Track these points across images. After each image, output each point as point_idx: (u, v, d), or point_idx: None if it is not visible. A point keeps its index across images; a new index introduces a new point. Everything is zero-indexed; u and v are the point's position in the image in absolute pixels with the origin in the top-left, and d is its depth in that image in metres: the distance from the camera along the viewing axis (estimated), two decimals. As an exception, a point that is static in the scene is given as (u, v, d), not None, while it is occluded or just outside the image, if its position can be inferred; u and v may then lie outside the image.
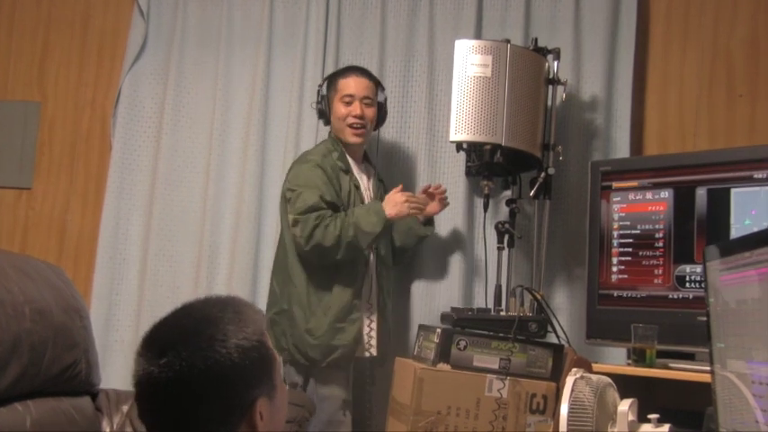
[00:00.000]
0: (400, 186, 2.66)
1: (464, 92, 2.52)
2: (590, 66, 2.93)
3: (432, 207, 2.80)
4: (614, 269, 2.61)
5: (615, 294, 2.59)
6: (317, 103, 2.77)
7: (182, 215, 3.20)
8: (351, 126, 2.70)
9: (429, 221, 2.82)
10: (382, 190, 2.80)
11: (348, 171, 2.68)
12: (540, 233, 2.78)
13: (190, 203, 3.21)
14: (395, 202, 2.57)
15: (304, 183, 2.57)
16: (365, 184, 2.77)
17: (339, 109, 2.71)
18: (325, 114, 2.75)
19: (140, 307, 3.13)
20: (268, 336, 1.27)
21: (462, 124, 2.51)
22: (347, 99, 2.70)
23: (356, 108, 2.70)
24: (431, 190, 2.80)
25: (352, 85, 2.72)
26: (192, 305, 1.27)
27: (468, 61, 2.53)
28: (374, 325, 2.66)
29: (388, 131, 3.01)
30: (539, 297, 2.48)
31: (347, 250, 2.52)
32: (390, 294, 2.78)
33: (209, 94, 3.24)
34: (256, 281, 3.08)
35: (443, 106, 2.99)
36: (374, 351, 2.65)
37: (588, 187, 2.69)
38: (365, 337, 2.63)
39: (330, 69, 3.05)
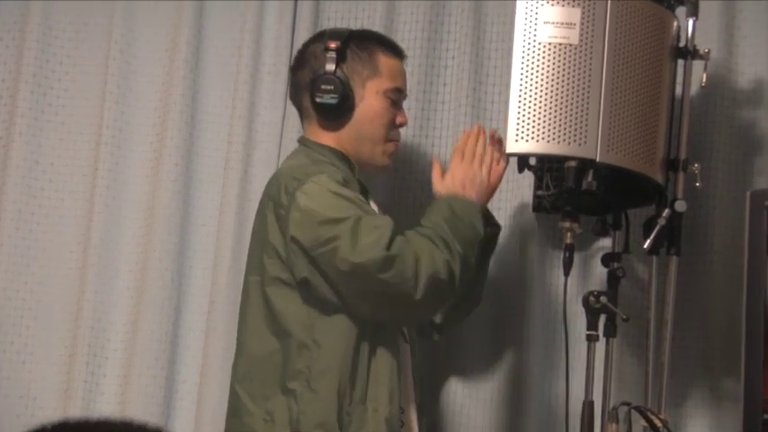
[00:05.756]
0: (459, 152, 2.74)
1: (532, 71, 2.53)
2: (750, 27, 2.96)
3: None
4: (791, 378, 2.65)
5: (794, 422, 2.60)
6: (335, 78, 2.75)
7: (46, 270, 3.19)
8: (393, 140, 2.82)
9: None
10: None
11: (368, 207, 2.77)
12: (660, 313, 2.76)
13: (61, 249, 3.21)
14: (474, 180, 2.70)
15: (348, 204, 2.61)
16: None
17: (377, 107, 2.77)
18: (349, 102, 2.75)
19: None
20: None
21: (528, 126, 2.52)
22: (395, 96, 2.79)
23: (403, 113, 2.83)
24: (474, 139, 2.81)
25: (401, 73, 2.82)
26: None
27: (540, 17, 2.55)
28: None
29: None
30: (658, 423, 2.49)
31: (459, 281, 2.61)
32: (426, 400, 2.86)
33: (97, 65, 3.25)
34: (173, 387, 3.11)
35: (496, 95, 3.06)
36: None
37: (745, 234, 2.67)
38: None
39: (307, 23, 3.12)
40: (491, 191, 2.72)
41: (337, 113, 2.75)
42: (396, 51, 2.83)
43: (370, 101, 2.74)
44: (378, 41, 2.83)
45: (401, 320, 2.68)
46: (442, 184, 2.72)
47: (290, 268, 2.61)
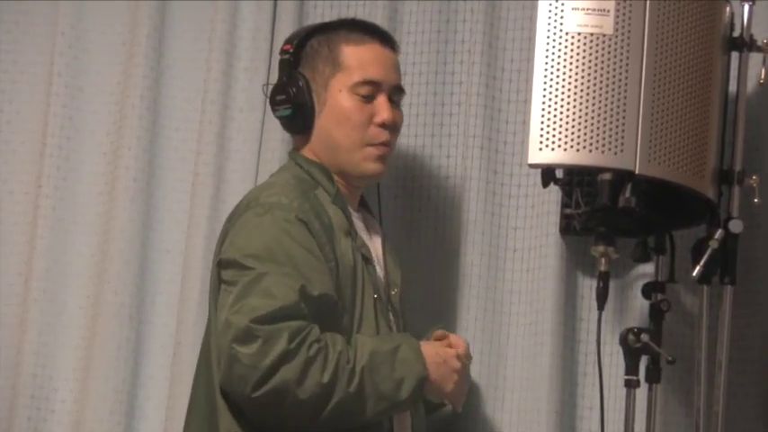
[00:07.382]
0: (462, 344, 2.70)
1: (558, 66, 2.53)
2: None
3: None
4: None
5: None
6: (286, 86, 2.74)
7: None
8: (375, 144, 2.75)
9: None
10: (399, 270, 2.85)
11: (350, 230, 2.71)
12: (711, 353, 2.74)
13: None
14: (448, 367, 2.62)
15: (269, 253, 2.53)
16: (377, 250, 2.79)
17: (343, 108, 2.73)
18: (306, 111, 2.73)
19: None
20: None
21: (554, 132, 2.51)
22: (366, 90, 2.72)
23: (384, 108, 2.73)
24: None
25: (374, 61, 2.75)
26: None
27: (568, 3, 2.54)
28: None
29: (403, 144, 3.04)
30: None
31: (333, 421, 2.46)
32: None
33: (41, 62, 3.28)
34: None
35: (512, 94, 3.09)
36: None
37: (816, 262, 2.75)
38: None
39: (291, 12, 3.14)
40: (442, 392, 2.62)
41: (297, 125, 2.76)
42: (368, 33, 2.77)
43: (334, 102, 2.72)
44: (345, 28, 2.79)
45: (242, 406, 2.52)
46: (430, 345, 2.65)
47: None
